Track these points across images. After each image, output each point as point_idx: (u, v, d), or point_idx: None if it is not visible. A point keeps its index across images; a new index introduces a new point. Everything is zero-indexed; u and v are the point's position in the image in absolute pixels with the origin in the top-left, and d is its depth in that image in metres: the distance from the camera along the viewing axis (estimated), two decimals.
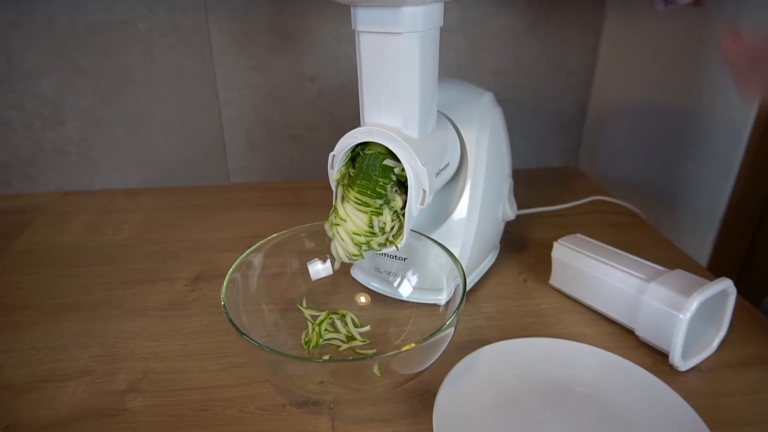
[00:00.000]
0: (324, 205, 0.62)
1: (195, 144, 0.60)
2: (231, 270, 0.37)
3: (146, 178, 0.62)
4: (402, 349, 0.30)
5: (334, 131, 0.69)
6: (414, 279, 0.44)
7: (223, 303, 0.33)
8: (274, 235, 0.42)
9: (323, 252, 0.44)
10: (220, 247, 0.54)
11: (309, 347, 0.36)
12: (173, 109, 0.57)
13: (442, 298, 0.41)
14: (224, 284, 0.35)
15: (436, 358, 0.33)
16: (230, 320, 0.31)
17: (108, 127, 0.57)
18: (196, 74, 0.56)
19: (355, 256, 0.36)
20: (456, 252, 0.45)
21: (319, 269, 0.44)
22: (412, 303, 0.44)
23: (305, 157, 0.71)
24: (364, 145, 0.35)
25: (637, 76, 0.56)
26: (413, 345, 0.29)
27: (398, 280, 0.45)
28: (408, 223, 0.36)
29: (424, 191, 0.35)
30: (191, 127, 0.59)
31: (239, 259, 0.39)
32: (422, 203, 0.36)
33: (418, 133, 0.36)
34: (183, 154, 0.61)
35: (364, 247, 0.36)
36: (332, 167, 0.37)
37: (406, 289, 0.44)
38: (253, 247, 0.41)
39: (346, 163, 0.36)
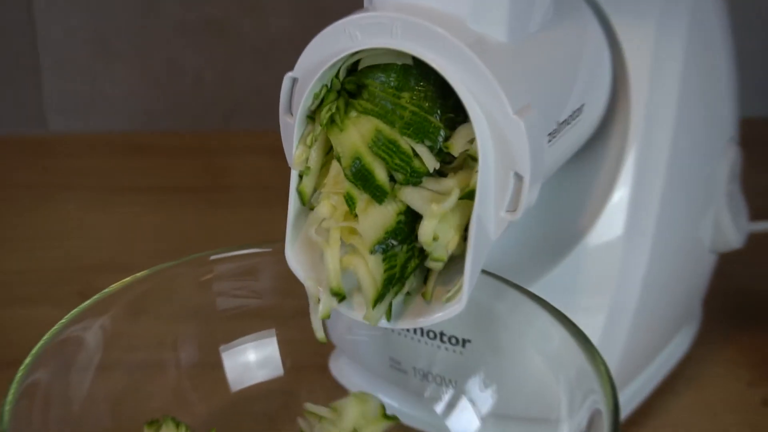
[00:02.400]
0: (270, 192, 0.65)
1: None
2: (27, 362, 0.38)
3: None
4: None
5: (299, 20, 0.77)
6: (486, 395, 0.45)
7: None
8: (143, 273, 0.43)
9: (270, 313, 0.47)
10: (11, 295, 0.58)
11: None
12: None
13: None
14: (8, 400, 0.36)
15: None
16: None
17: None
18: None
19: (378, 303, 0.38)
20: (596, 329, 0.45)
21: (250, 361, 0.46)
22: None
23: (231, 81, 0.81)
24: (367, 70, 0.36)
25: None
26: None
27: (446, 394, 0.46)
28: (476, 255, 0.37)
29: (519, 177, 0.36)
30: None
31: (49, 334, 0.39)
32: (513, 207, 0.37)
33: (507, 31, 0.37)
34: None
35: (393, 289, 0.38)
36: (290, 110, 0.39)
37: (464, 420, 0.46)
38: (90, 301, 0.41)
39: (326, 103, 0.37)
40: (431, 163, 0.37)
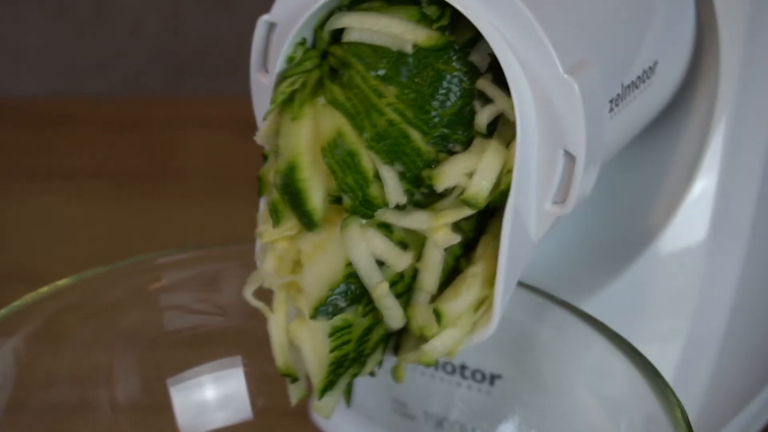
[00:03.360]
0: (231, 178, 0.68)
1: None
2: None
3: None
4: None
5: None
6: None
7: None
8: (65, 281, 0.45)
9: (236, 336, 0.48)
10: None
11: None
12: None
13: None
14: None
15: None
16: None
17: None
18: None
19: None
20: (670, 362, 0.46)
21: (207, 399, 0.48)
22: None
23: (179, 30, 0.84)
24: (355, 45, 0.37)
25: None
26: None
27: None
28: (511, 262, 0.38)
29: (570, 157, 0.36)
30: None
31: None
32: (562, 198, 0.37)
33: None
34: None
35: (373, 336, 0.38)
36: (264, 66, 0.40)
37: None
38: None
39: (297, 70, 0.38)
40: (395, 195, 0.37)
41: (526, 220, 0.38)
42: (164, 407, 0.48)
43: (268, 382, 0.48)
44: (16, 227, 0.71)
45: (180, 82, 0.85)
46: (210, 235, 0.57)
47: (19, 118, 0.83)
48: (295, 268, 0.40)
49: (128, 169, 0.78)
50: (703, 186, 0.47)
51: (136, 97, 0.85)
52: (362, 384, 0.47)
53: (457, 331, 0.40)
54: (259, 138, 0.40)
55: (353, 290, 0.39)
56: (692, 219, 0.47)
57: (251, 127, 0.44)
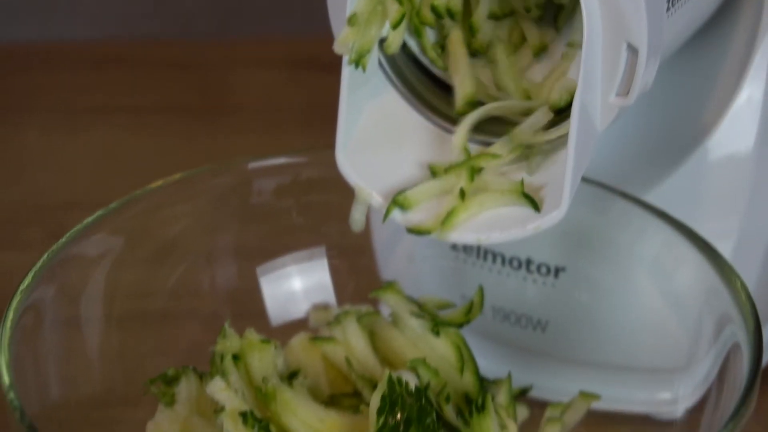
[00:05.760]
0: (283, 114, 0.71)
1: None
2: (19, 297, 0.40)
3: None
4: None
5: None
6: (585, 338, 0.47)
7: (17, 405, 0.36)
8: (156, 183, 0.47)
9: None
10: None
11: None
12: None
13: (675, 394, 0.44)
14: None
15: None
16: None
17: None
18: None
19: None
20: (728, 243, 0.46)
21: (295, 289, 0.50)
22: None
23: None
24: None
25: None
26: None
27: (534, 339, 0.48)
28: (580, 148, 0.38)
29: (633, 50, 0.37)
30: None
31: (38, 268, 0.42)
32: (626, 90, 0.38)
33: None
34: None
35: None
36: None
37: (554, 370, 0.48)
38: (88, 222, 0.45)
39: None
40: None
41: (591, 113, 0.38)
42: (255, 293, 0.50)
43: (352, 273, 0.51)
44: (83, 159, 0.71)
45: (233, 23, 0.85)
46: None
47: (76, 60, 0.82)
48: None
49: (185, 105, 0.77)
50: (749, 94, 0.47)
51: (190, 39, 0.85)
52: (432, 281, 0.49)
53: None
54: (337, 46, 0.40)
55: None
56: (741, 123, 0.46)
57: (301, 65, 0.43)
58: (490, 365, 0.47)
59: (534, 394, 0.47)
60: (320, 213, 0.50)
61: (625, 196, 0.45)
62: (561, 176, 0.38)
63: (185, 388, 0.42)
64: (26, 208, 0.65)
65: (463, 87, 0.41)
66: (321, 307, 0.47)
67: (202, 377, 0.43)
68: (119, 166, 0.70)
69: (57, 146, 0.72)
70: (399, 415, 0.38)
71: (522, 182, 0.39)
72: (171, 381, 0.43)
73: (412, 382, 0.39)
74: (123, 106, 0.77)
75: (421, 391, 0.38)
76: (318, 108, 0.54)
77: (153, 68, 0.82)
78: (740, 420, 0.36)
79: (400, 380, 0.38)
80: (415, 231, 0.41)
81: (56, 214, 0.64)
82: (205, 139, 0.73)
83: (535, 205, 0.39)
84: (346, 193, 0.42)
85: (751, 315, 0.39)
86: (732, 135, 0.47)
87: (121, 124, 0.74)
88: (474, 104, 0.41)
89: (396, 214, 0.41)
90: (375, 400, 0.38)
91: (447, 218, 0.40)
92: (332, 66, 0.41)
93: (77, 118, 0.75)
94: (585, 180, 0.43)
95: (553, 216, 0.39)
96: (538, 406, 0.46)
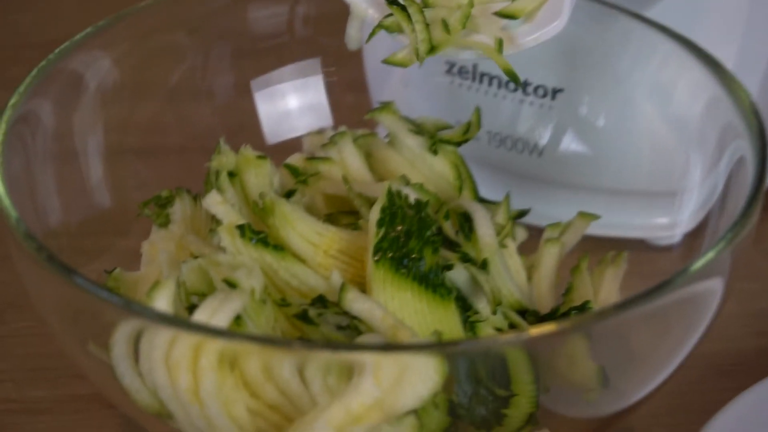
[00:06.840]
0: None
1: None
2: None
3: None
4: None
5: None
6: (583, 161, 0.47)
7: None
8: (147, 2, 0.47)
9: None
10: None
11: None
12: None
13: (673, 219, 0.45)
14: None
15: (660, 380, 0.36)
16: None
17: None
18: None
19: None
20: (730, 55, 0.46)
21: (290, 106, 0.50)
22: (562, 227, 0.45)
23: None
24: None
25: None
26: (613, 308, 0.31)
27: (530, 163, 0.48)
28: None
29: None
30: None
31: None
32: None
33: None
34: None
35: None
36: None
37: (549, 195, 0.48)
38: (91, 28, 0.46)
39: None
40: None
41: None
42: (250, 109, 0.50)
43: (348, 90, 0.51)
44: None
45: None
46: None
47: None
48: None
49: None
50: None
51: None
52: (426, 104, 0.49)
53: None
54: None
55: None
56: None
57: None
58: (488, 193, 0.47)
59: (532, 220, 0.47)
60: (318, 27, 0.50)
61: (625, 12, 0.44)
62: None
63: (179, 208, 0.42)
64: (9, 48, 0.65)
65: None
66: (316, 132, 0.47)
67: (196, 199, 0.42)
68: (103, 4, 0.66)
69: None
70: (399, 227, 0.37)
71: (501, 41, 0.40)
72: (165, 203, 0.42)
73: (412, 195, 0.38)
74: None
75: (421, 204, 0.38)
76: None
77: None
78: (742, 229, 0.36)
79: (399, 193, 0.37)
80: (390, 62, 0.41)
81: (42, 54, 0.62)
82: None
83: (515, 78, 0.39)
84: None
85: (755, 120, 0.39)
86: None
87: None
88: None
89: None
90: (374, 213, 0.37)
91: (431, 51, 0.40)
92: None
93: None
94: None
95: (553, 27, 0.39)
96: (537, 233, 0.46)
